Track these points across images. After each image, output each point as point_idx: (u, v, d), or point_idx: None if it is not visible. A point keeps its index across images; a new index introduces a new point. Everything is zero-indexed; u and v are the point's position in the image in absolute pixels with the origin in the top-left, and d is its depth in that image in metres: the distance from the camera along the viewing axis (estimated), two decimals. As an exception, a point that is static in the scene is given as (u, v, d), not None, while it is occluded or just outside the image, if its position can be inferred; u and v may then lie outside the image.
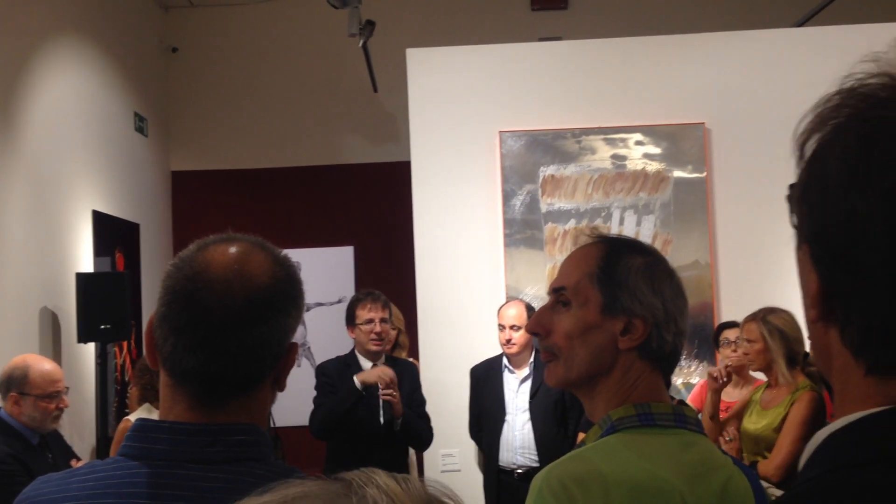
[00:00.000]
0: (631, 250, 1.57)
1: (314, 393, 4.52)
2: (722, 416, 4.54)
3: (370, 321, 4.38)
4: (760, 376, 4.46)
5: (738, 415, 4.16)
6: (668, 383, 1.60)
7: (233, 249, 1.29)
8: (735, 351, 4.57)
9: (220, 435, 1.23)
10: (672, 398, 1.62)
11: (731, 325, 4.74)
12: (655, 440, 1.45)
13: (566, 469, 1.40)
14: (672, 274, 1.56)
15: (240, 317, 1.23)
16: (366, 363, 4.43)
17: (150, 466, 1.21)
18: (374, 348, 4.41)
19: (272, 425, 7.54)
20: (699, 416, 4.56)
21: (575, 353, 1.53)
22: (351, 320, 4.47)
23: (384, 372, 4.26)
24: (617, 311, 1.50)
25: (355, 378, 4.27)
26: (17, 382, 3.75)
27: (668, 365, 1.55)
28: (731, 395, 4.61)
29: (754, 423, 3.96)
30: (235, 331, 1.23)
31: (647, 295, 1.50)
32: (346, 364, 4.45)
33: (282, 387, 1.31)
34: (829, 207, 0.75)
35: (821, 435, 0.77)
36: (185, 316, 1.25)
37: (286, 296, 1.28)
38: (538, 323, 1.57)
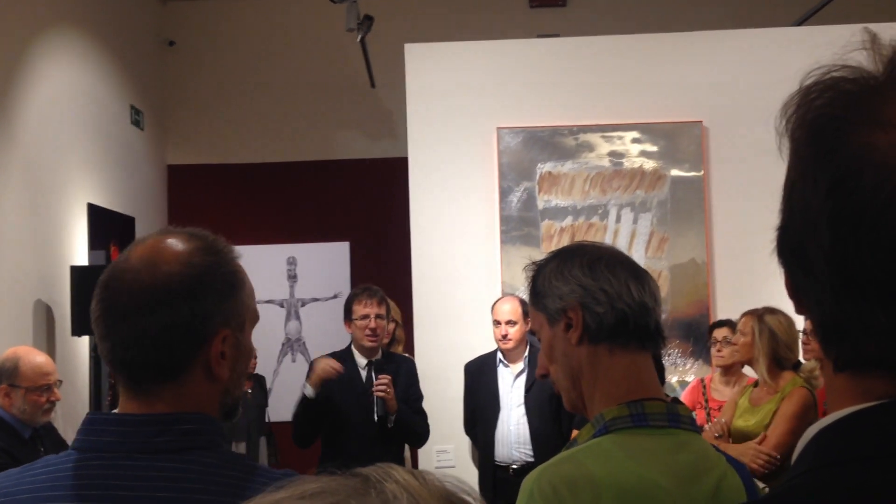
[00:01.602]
0: (547, 261, 1.61)
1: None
2: (715, 414, 4.55)
3: (365, 317, 4.37)
4: (753, 375, 4.47)
5: (729, 413, 4.16)
6: (658, 360, 1.59)
7: (157, 240, 1.31)
8: (720, 351, 4.58)
9: (168, 424, 1.25)
10: (667, 395, 1.60)
11: (722, 323, 4.73)
12: (648, 441, 1.45)
13: (557, 472, 1.40)
14: (585, 253, 1.58)
15: (141, 303, 1.25)
16: (361, 359, 4.43)
17: (99, 459, 1.23)
18: (368, 344, 4.40)
19: (267, 420, 7.55)
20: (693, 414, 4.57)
21: (557, 373, 1.58)
22: (348, 315, 4.47)
23: (327, 363, 4.25)
24: (554, 316, 1.55)
25: (306, 384, 4.28)
26: (8, 374, 3.73)
27: (627, 337, 1.52)
28: (723, 394, 4.62)
29: (744, 420, 3.97)
30: (137, 318, 1.24)
31: (559, 287, 1.54)
32: (342, 359, 4.43)
33: (221, 376, 1.29)
34: (791, 203, 0.77)
35: (811, 431, 0.78)
36: (99, 307, 1.28)
37: (200, 282, 1.27)
38: (540, 368, 1.64)
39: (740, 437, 3.96)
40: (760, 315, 3.98)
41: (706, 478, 1.45)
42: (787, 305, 4.33)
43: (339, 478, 0.61)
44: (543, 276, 1.58)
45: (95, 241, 6.23)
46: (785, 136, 0.79)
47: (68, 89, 6.12)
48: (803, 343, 4.27)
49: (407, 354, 5.39)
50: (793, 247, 0.77)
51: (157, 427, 1.24)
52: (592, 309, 1.51)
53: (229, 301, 1.30)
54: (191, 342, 1.26)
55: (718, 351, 4.60)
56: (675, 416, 1.49)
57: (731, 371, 4.63)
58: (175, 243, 1.30)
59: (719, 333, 4.63)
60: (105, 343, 1.28)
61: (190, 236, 1.32)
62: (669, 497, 1.39)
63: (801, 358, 4.15)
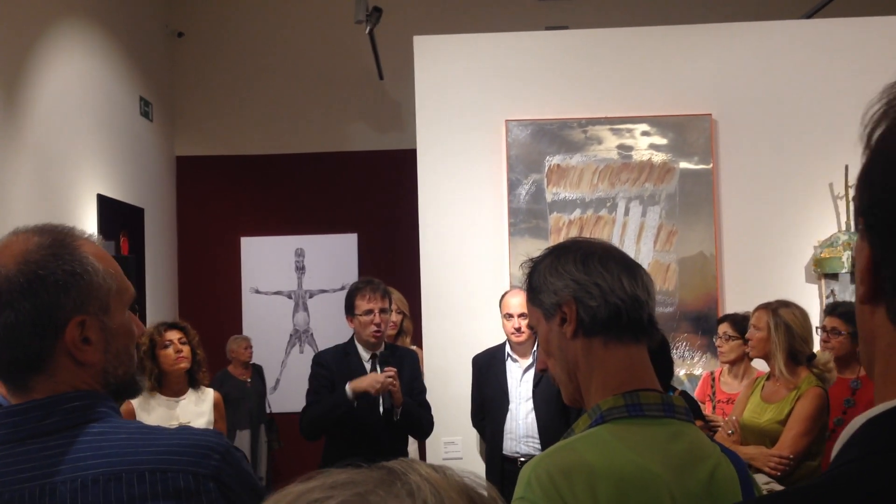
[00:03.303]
0: (543, 257, 1.64)
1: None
2: (723, 406, 4.54)
3: (369, 312, 4.30)
4: (761, 368, 4.46)
5: (740, 410, 4.14)
6: (667, 353, 1.60)
7: (1, 243, 1.35)
8: (721, 347, 4.57)
9: (54, 406, 1.31)
10: (674, 389, 1.62)
11: (725, 318, 4.71)
12: (643, 431, 1.47)
13: (554, 460, 1.42)
14: (579, 249, 1.60)
15: None
16: (364, 353, 4.38)
17: None
18: (372, 339, 4.34)
19: (268, 411, 7.58)
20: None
21: (555, 366, 1.61)
22: (350, 310, 4.39)
23: (375, 380, 4.16)
24: (549, 311, 1.59)
25: (347, 386, 4.18)
26: None
27: (621, 330, 1.54)
28: (732, 387, 4.61)
29: (757, 415, 3.94)
30: None
31: (554, 282, 1.58)
32: (345, 353, 4.38)
33: (88, 361, 1.34)
34: (887, 181, 0.78)
35: (859, 420, 0.78)
36: None
37: (37, 277, 1.30)
38: (539, 363, 1.68)
39: (751, 432, 3.94)
40: (774, 309, 3.94)
41: (700, 466, 1.47)
42: (791, 296, 4.30)
43: (365, 470, 0.64)
44: (538, 273, 1.62)
45: (105, 232, 6.25)
46: (873, 124, 0.81)
47: (78, 80, 6.14)
48: (823, 340, 4.26)
49: (414, 346, 5.39)
50: (887, 220, 0.78)
51: (42, 411, 1.30)
52: (586, 303, 1.54)
53: (77, 288, 1.33)
54: (42, 335, 1.30)
55: (720, 347, 4.60)
56: (669, 407, 1.51)
57: (737, 364, 4.62)
58: (15, 244, 1.34)
59: (720, 329, 4.62)
60: None
61: (33, 233, 1.35)
62: (664, 485, 1.41)
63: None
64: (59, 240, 1.35)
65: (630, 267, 1.58)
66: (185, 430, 1.35)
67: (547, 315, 1.59)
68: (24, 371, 1.32)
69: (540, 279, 1.61)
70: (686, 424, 1.52)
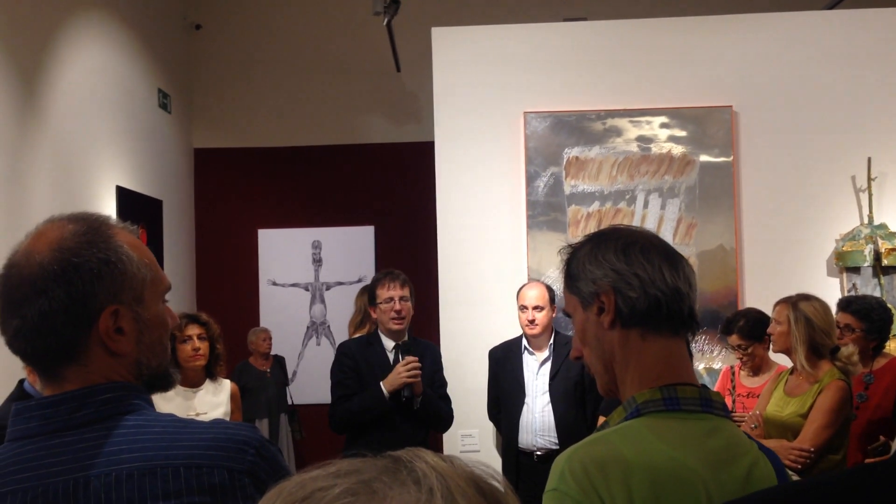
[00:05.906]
0: (582, 244, 1.61)
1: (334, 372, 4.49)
2: (743, 401, 4.50)
3: (390, 300, 4.36)
4: (782, 361, 4.42)
5: (763, 404, 4.11)
6: (686, 347, 1.57)
7: (38, 231, 1.34)
8: (742, 358, 4.51)
9: (86, 398, 1.29)
10: (695, 382, 1.58)
11: (730, 329, 4.54)
12: (680, 425, 1.44)
13: (589, 452, 1.39)
14: (620, 237, 1.56)
15: (21, 295, 1.29)
16: (388, 342, 4.41)
17: (31, 443, 1.28)
18: (395, 327, 4.38)
19: (290, 403, 7.61)
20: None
21: (590, 356, 1.57)
22: (372, 300, 4.46)
23: (407, 368, 4.21)
24: (587, 299, 1.54)
25: (382, 385, 4.22)
26: None
27: (660, 322, 1.50)
28: (752, 381, 4.58)
29: (779, 409, 3.91)
30: (20, 309, 1.29)
31: (593, 271, 1.53)
32: (369, 343, 4.43)
33: (120, 351, 1.32)
34: None
35: None
36: None
37: (71, 265, 1.29)
38: (574, 350, 1.64)
39: (774, 426, 3.91)
40: (794, 302, 3.91)
41: (738, 463, 1.44)
42: (812, 289, 4.26)
43: (370, 459, 0.65)
44: (577, 260, 1.58)
45: (123, 224, 6.27)
46: None
47: (97, 73, 6.15)
48: (836, 337, 4.21)
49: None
50: None
51: (76, 403, 1.29)
52: (625, 293, 1.50)
53: (111, 277, 1.31)
54: (76, 324, 1.29)
55: (740, 358, 4.53)
56: (707, 402, 1.48)
57: (757, 365, 4.58)
58: (50, 231, 1.32)
59: (732, 342, 4.53)
60: (5, 336, 1.33)
61: (68, 221, 1.34)
62: (700, 480, 1.38)
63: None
64: (94, 228, 1.34)
65: (672, 258, 1.53)
66: (219, 423, 1.34)
67: (584, 303, 1.55)
68: (57, 360, 1.30)
69: (578, 267, 1.56)
70: (723, 420, 1.48)
